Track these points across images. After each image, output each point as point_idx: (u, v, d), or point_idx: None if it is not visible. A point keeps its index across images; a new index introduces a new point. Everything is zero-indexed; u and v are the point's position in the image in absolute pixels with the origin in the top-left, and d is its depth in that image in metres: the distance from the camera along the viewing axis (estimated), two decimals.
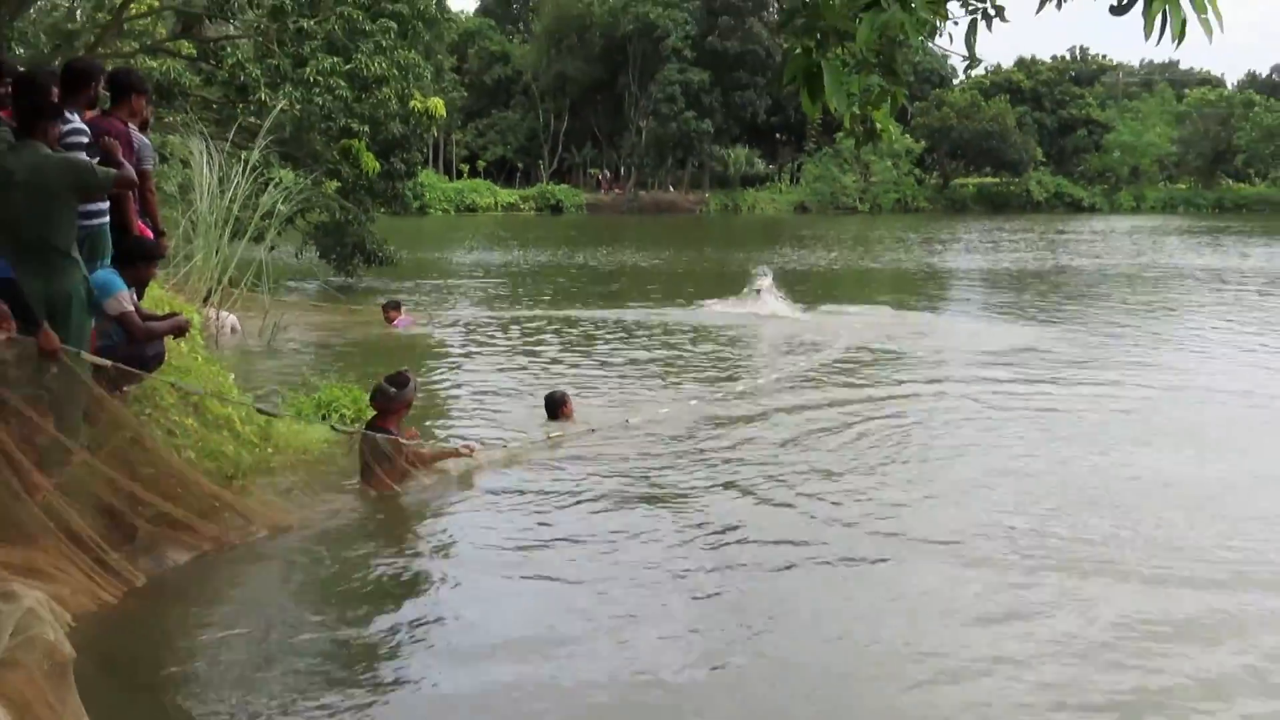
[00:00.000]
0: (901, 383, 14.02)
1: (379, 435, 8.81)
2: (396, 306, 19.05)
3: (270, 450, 8.39)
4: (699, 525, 8.10)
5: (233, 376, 9.24)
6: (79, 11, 25.18)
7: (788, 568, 7.33)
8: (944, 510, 8.53)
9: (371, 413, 9.22)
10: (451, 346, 17.20)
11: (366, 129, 23.49)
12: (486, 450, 9.95)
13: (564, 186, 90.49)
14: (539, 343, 17.66)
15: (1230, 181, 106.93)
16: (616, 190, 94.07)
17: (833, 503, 8.57)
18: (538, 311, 21.92)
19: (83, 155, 6.99)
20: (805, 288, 26.73)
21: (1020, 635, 6.21)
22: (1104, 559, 7.40)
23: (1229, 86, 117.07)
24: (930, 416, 11.92)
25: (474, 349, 16.89)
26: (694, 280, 27.82)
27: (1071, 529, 8.05)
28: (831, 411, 12.03)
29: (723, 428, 11.25)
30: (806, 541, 7.76)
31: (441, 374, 14.58)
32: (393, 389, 9.11)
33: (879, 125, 5.72)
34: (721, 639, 6.17)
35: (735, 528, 8.03)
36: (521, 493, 8.85)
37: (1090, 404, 12.58)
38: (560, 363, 15.60)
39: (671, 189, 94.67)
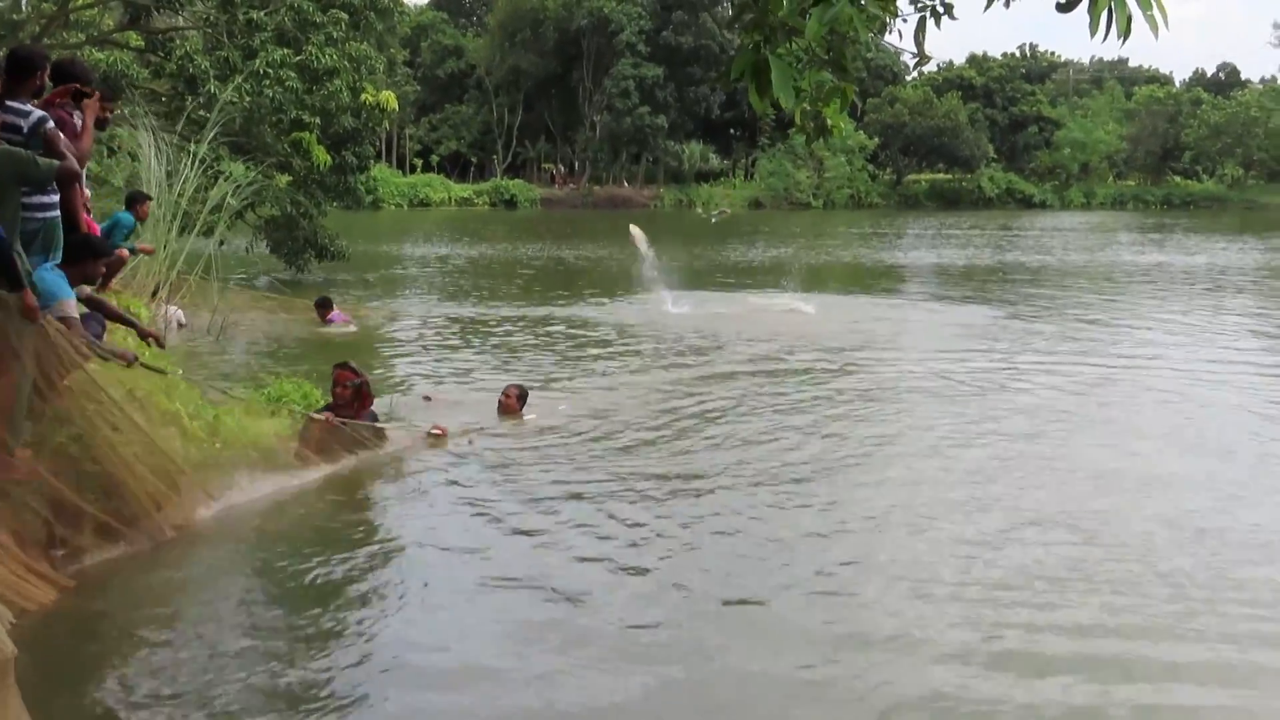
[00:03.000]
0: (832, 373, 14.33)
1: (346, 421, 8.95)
2: (328, 304, 18.68)
3: (219, 445, 8.28)
4: (656, 519, 8.16)
5: (180, 371, 9.12)
6: (24, 2, 24.82)
7: (760, 560, 7.40)
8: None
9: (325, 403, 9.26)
10: (400, 342, 17.19)
11: (317, 122, 23.28)
12: (453, 436, 10.13)
13: (518, 181, 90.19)
14: (490, 338, 17.71)
15: (1178, 178, 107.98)
16: (571, 185, 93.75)
17: (799, 505, 8.64)
18: (491, 307, 22.03)
19: (22, 148, 6.88)
20: (752, 281, 27.17)
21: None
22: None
23: (1177, 84, 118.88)
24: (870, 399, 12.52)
25: (425, 344, 16.87)
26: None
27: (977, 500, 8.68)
28: (770, 408, 12.33)
29: (664, 422, 11.38)
30: (782, 539, 7.84)
31: (392, 370, 14.52)
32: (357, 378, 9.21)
33: (829, 121, 5.74)
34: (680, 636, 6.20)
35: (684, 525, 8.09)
36: (470, 488, 8.87)
37: (1025, 392, 13.17)
38: (513, 357, 15.64)
39: (626, 184, 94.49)
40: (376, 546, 7.64)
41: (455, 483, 8.99)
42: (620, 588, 6.87)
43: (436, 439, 10.03)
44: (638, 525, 8.01)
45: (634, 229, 22.83)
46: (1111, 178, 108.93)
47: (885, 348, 16.87)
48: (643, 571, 7.18)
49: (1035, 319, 20.73)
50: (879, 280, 30.20)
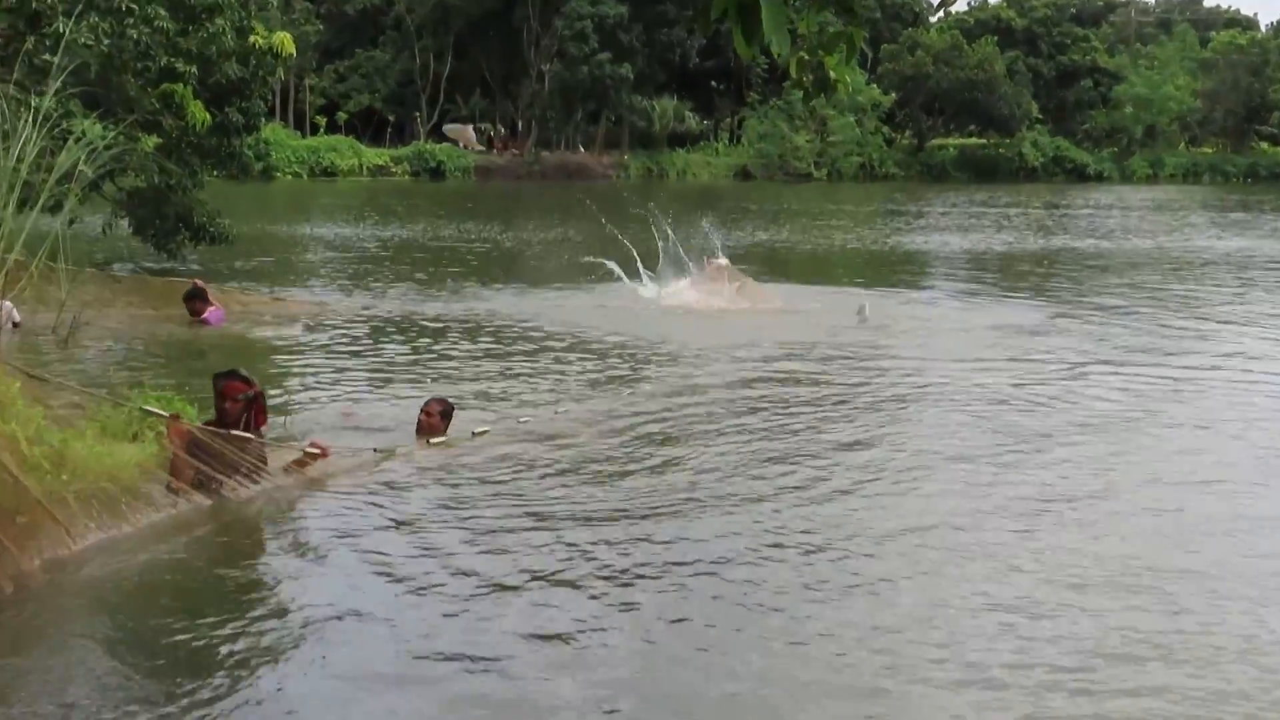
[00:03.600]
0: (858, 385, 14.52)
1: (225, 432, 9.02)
2: (202, 296, 18.60)
3: (65, 478, 8.12)
4: (613, 574, 8.18)
5: (18, 384, 9.01)
6: None
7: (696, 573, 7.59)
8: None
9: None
10: (299, 348, 17.27)
11: (194, 70, 23.18)
12: (343, 458, 10.19)
13: (446, 145, 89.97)
14: (414, 340, 17.87)
15: (1266, 145, 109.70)
16: (513, 150, 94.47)
17: (800, 559, 8.60)
18: (408, 301, 22.20)
19: None
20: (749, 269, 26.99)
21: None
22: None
23: (1262, 29, 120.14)
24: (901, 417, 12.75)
25: (330, 349, 17.01)
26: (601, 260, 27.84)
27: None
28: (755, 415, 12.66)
29: (615, 435, 11.68)
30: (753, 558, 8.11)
31: (287, 383, 14.61)
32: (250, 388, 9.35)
33: (833, 73, 5.71)
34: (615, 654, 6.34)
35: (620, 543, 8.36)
36: (375, 531, 8.94)
37: (1071, 406, 13.44)
38: (442, 364, 15.78)
39: (582, 149, 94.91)
40: (262, 607, 7.59)
41: (356, 528, 8.95)
42: (571, 671, 6.74)
43: (312, 460, 9.94)
44: (587, 586, 7.91)
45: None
46: (1183, 143, 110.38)
47: (908, 354, 17.05)
48: (599, 658, 6.97)
49: (1091, 318, 20.94)
50: (897, 270, 30.34)
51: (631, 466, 10.74)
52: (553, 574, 8.03)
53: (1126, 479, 10.48)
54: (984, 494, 10.06)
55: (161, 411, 9.17)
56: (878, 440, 11.81)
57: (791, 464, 10.89)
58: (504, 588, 7.79)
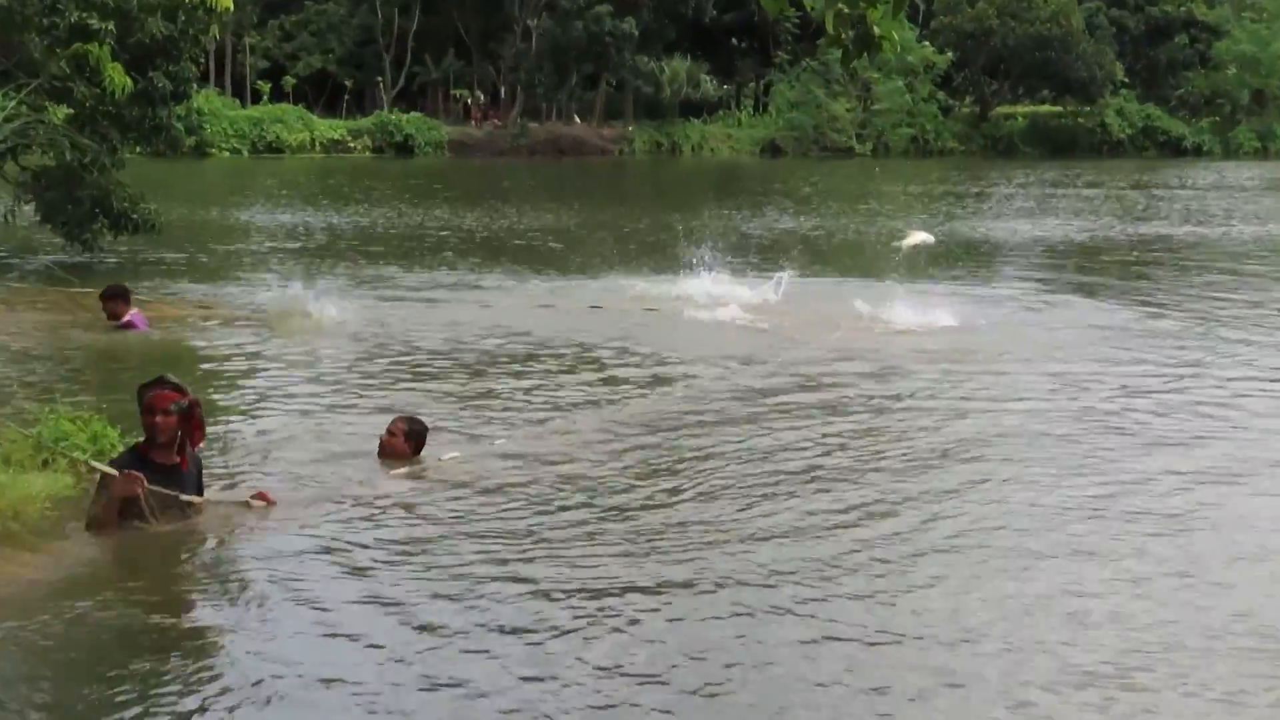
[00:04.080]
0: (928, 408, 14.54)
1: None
2: (123, 296, 18.53)
3: None
4: (555, 592, 8.46)
5: None
6: None
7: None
8: None
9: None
10: (237, 351, 17.30)
11: (111, 27, 23.13)
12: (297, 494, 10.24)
13: (415, 115, 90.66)
14: (367, 345, 17.94)
15: None
16: (494, 121, 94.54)
17: (833, 623, 8.45)
18: (366, 300, 22.22)
19: None
20: (767, 261, 27.58)
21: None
22: None
23: None
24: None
25: (278, 360, 17.01)
26: (608, 255, 28.21)
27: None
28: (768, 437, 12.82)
29: (607, 461, 11.85)
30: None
31: (222, 393, 14.61)
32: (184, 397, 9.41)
33: (876, 28, 5.69)
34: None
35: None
36: (331, 581, 8.92)
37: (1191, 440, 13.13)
38: (411, 380, 15.82)
39: (577, 120, 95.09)
40: (197, 671, 7.53)
41: (301, 574, 8.92)
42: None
43: (261, 510, 10.03)
44: (567, 645, 7.93)
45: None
46: None
47: (977, 362, 17.13)
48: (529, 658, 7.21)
49: (1190, 320, 20.99)
50: (957, 263, 30.23)
51: (628, 497, 10.79)
52: (520, 629, 8.07)
53: (1249, 532, 10.32)
54: (1057, 512, 10.29)
55: (113, 471, 9.16)
56: (953, 475, 11.74)
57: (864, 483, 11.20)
58: (469, 650, 7.81)
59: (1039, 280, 27.29)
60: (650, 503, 10.68)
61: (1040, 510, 10.56)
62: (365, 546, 9.46)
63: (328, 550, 9.35)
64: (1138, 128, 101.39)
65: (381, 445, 11.52)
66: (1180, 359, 17.53)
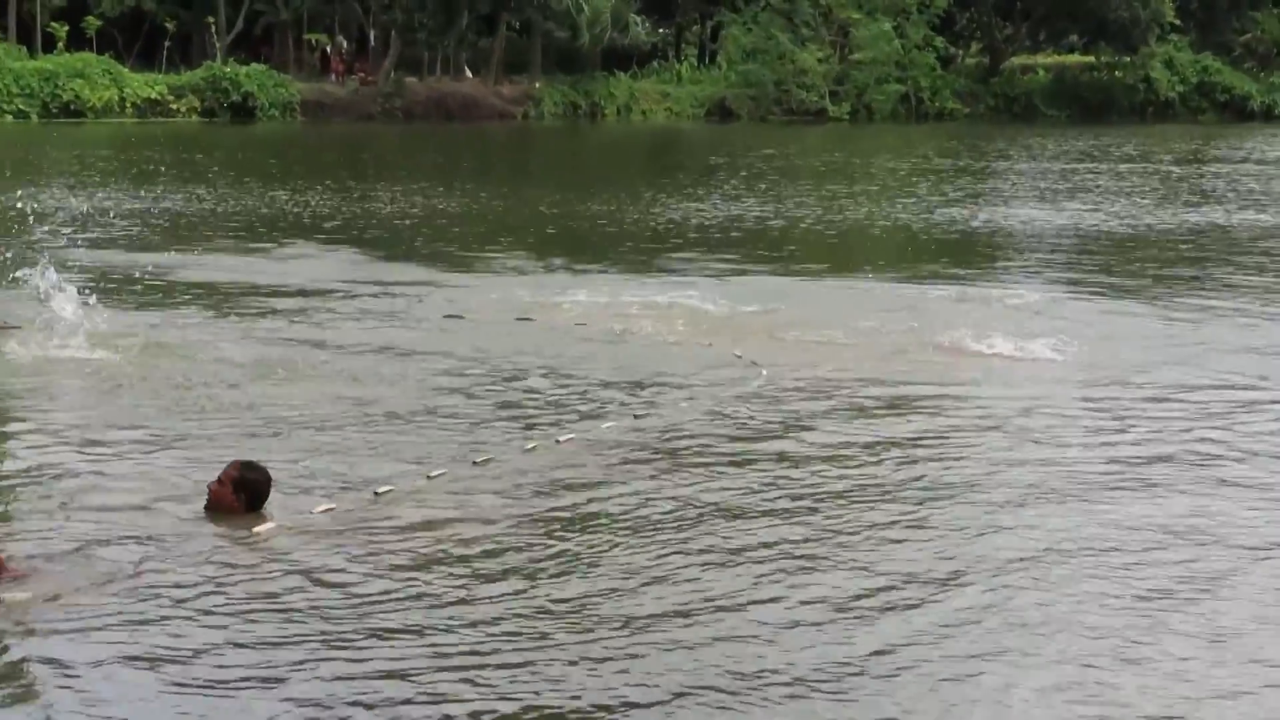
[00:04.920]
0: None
1: None
2: None
3: None
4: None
5: None
6: None
7: None
8: None
9: None
10: (28, 374, 16.59)
11: None
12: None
13: (258, 68, 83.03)
14: (211, 372, 17.08)
15: None
16: (361, 76, 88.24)
17: None
18: (206, 311, 21.62)
19: None
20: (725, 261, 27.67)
21: None
22: None
23: None
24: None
25: (74, 383, 16.44)
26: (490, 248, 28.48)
27: None
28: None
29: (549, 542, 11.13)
30: None
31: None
32: None
33: None
34: None
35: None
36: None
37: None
38: (250, 419, 14.85)
39: (469, 74, 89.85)
40: None
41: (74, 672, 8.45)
42: None
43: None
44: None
45: None
46: None
47: (982, 392, 16.59)
48: None
49: (1253, 326, 21.04)
50: (956, 259, 29.84)
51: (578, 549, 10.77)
52: None
53: None
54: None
55: None
56: (985, 525, 11.63)
57: None
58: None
59: (1063, 278, 27.09)
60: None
61: None
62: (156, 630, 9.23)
63: (111, 641, 9.01)
64: (1192, 84, 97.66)
65: (211, 496, 11.11)
66: (1235, 368, 17.63)
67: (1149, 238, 33.29)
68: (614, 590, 10.01)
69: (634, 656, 8.99)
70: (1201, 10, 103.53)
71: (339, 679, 8.60)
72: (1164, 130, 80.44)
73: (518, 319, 20.72)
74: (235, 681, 8.50)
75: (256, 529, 10.79)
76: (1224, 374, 17.18)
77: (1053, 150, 62.59)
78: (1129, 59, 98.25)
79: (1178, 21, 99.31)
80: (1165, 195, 43.30)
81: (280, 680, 8.52)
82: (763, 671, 9.12)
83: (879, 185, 46.54)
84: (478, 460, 12.91)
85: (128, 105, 77.51)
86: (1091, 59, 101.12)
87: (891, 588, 10.10)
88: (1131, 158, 58.67)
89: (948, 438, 14.48)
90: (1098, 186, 45.97)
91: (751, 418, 15.15)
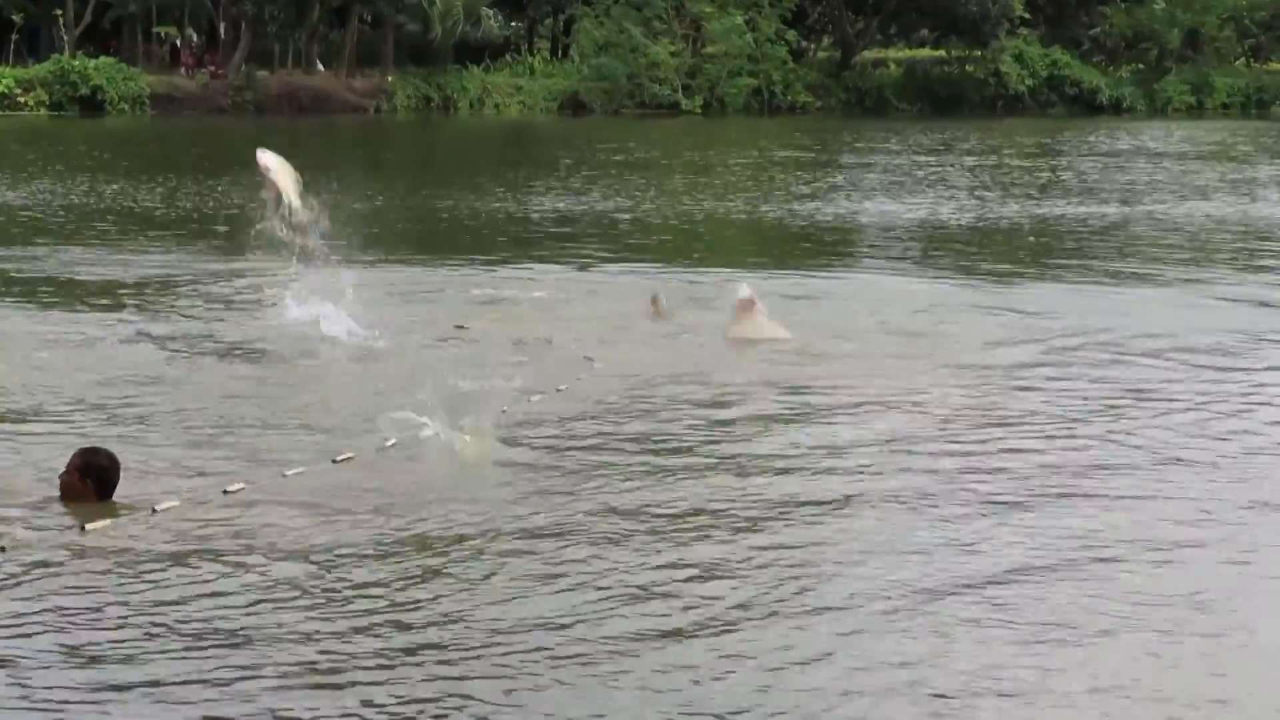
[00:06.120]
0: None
1: None
2: None
3: None
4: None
5: None
6: None
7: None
8: None
9: None
10: None
11: None
12: None
13: (107, 61, 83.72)
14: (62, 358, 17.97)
15: None
16: (211, 69, 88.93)
17: None
18: (68, 308, 22.02)
19: None
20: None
21: None
22: None
23: None
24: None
25: None
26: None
27: None
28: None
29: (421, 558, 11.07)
30: None
31: None
32: None
33: None
34: None
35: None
36: None
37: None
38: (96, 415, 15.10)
39: (320, 67, 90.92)
40: None
41: None
42: None
43: None
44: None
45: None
46: (1243, 58, 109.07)
47: (852, 381, 17.13)
48: None
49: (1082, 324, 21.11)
50: (806, 252, 30.69)
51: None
52: None
53: None
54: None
55: None
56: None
57: None
58: None
59: (915, 266, 28.28)
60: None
61: None
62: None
63: None
64: (1041, 78, 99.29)
65: (60, 484, 11.47)
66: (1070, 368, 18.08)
67: (993, 229, 33.98)
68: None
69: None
70: (1051, 5, 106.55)
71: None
72: (1014, 124, 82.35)
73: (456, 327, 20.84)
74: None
75: (159, 506, 11.21)
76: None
77: (903, 144, 63.19)
78: (979, 53, 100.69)
79: (1028, 16, 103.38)
80: (1015, 186, 44.31)
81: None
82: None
83: (727, 178, 46.88)
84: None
85: None
86: (942, 53, 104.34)
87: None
88: (981, 151, 59.62)
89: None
90: (951, 181, 46.44)
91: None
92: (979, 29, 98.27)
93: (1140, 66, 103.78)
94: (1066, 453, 14.02)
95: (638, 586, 10.47)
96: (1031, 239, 32.78)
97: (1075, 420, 15.70)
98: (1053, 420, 15.28)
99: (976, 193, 43.24)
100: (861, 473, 13.61)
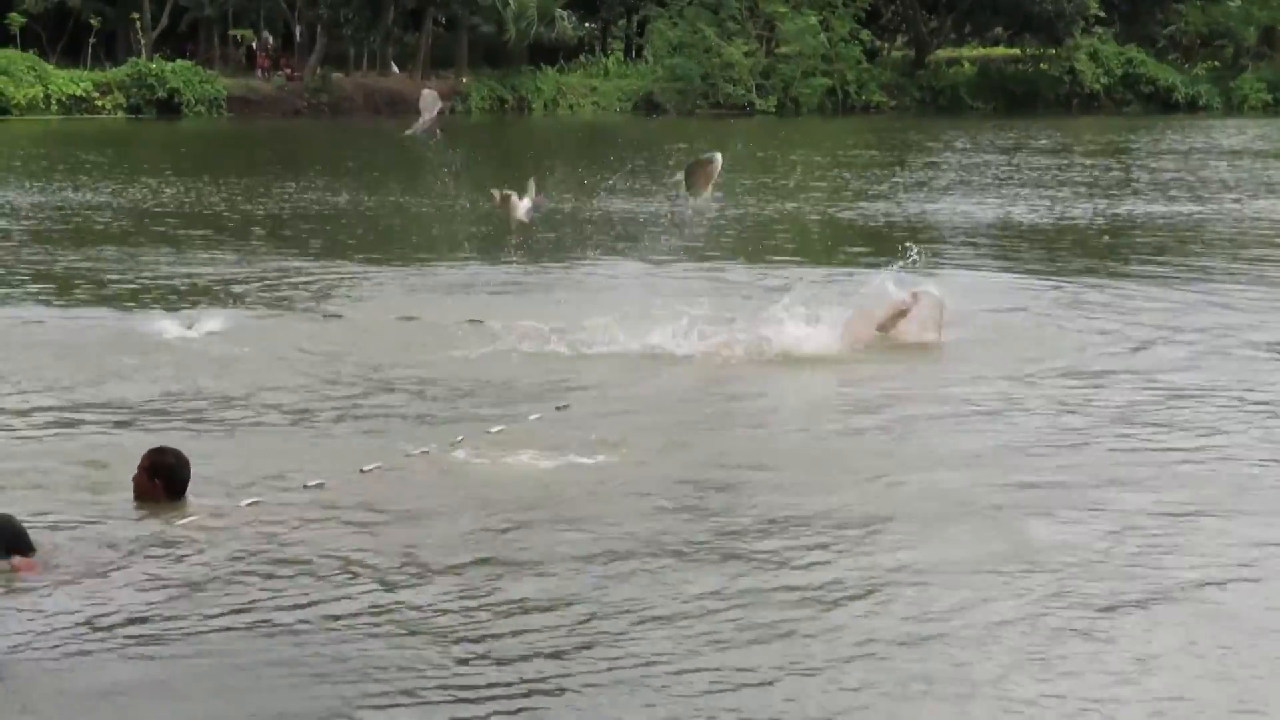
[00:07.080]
0: None
1: None
2: None
3: None
4: None
5: None
6: None
7: None
8: None
9: None
10: None
11: None
12: None
13: (184, 64, 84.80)
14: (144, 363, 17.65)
15: None
16: (286, 71, 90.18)
17: None
18: (122, 306, 22.15)
19: None
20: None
21: None
22: None
23: None
24: None
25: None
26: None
27: None
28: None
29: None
30: None
31: None
32: None
33: None
34: None
35: None
36: None
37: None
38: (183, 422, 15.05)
39: (395, 69, 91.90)
40: None
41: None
42: None
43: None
44: None
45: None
46: None
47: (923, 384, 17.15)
48: None
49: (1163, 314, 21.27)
50: (874, 248, 29.38)
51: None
52: None
53: None
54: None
55: None
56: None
57: None
58: None
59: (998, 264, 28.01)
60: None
61: None
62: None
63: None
64: (1116, 76, 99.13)
65: (135, 485, 11.48)
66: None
67: (1072, 228, 34.01)
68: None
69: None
70: (1126, 2, 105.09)
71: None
72: (1090, 122, 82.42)
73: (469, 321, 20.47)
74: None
75: (242, 503, 11.41)
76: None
77: (978, 142, 63.48)
78: (1054, 51, 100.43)
79: (1102, 14, 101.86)
80: (1089, 186, 43.98)
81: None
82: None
83: (799, 176, 46.67)
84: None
85: (53, 102, 79.36)
86: (1017, 51, 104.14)
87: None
88: (1056, 150, 59.50)
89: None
90: (1023, 180, 46.33)
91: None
92: (1053, 27, 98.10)
93: (1216, 64, 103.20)
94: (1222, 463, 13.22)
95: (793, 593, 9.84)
96: (1136, 238, 32.16)
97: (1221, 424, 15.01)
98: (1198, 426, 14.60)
99: (1052, 188, 43.59)
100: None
